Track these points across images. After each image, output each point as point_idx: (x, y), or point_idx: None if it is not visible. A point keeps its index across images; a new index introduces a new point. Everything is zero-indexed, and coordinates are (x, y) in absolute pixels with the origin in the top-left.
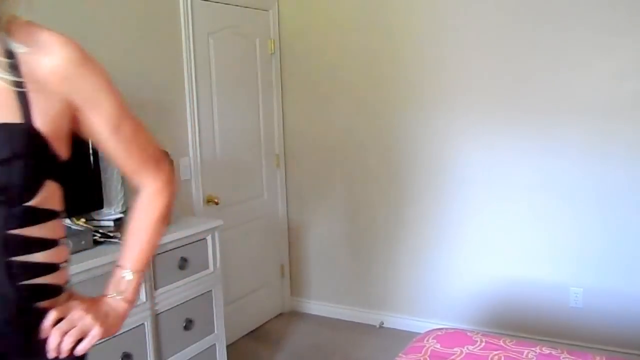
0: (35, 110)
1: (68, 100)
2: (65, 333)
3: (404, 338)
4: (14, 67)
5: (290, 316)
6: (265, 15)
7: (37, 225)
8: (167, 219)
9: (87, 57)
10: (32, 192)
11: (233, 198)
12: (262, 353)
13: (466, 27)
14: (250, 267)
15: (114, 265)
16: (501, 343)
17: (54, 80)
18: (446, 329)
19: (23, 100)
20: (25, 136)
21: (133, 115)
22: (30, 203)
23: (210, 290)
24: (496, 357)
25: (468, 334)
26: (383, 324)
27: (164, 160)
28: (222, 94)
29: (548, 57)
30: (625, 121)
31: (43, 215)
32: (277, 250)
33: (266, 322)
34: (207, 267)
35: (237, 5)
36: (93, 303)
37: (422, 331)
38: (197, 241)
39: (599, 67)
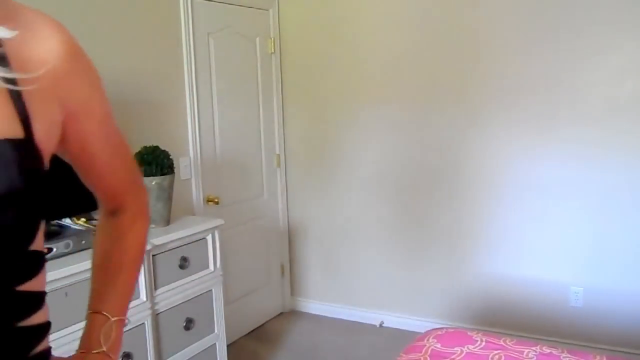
0: (34, 119)
1: (62, 103)
2: None
3: (404, 337)
4: (2, 59)
5: (291, 316)
6: (266, 14)
7: (39, 275)
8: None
9: (80, 47)
10: (32, 233)
11: (233, 198)
12: (263, 353)
13: (474, 30)
14: (251, 266)
15: (90, 311)
16: (501, 342)
17: (51, 75)
18: (446, 328)
19: (20, 104)
20: (29, 157)
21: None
22: (32, 247)
23: (211, 290)
24: (496, 356)
25: (468, 333)
26: (383, 323)
27: (141, 175)
28: (222, 94)
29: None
30: (626, 121)
31: (41, 261)
32: (277, 249)
33: (266, 322)
34: (207, 267)
35: (237, 5)
36: None
37: (423, 330)
38: (197, 241)
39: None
